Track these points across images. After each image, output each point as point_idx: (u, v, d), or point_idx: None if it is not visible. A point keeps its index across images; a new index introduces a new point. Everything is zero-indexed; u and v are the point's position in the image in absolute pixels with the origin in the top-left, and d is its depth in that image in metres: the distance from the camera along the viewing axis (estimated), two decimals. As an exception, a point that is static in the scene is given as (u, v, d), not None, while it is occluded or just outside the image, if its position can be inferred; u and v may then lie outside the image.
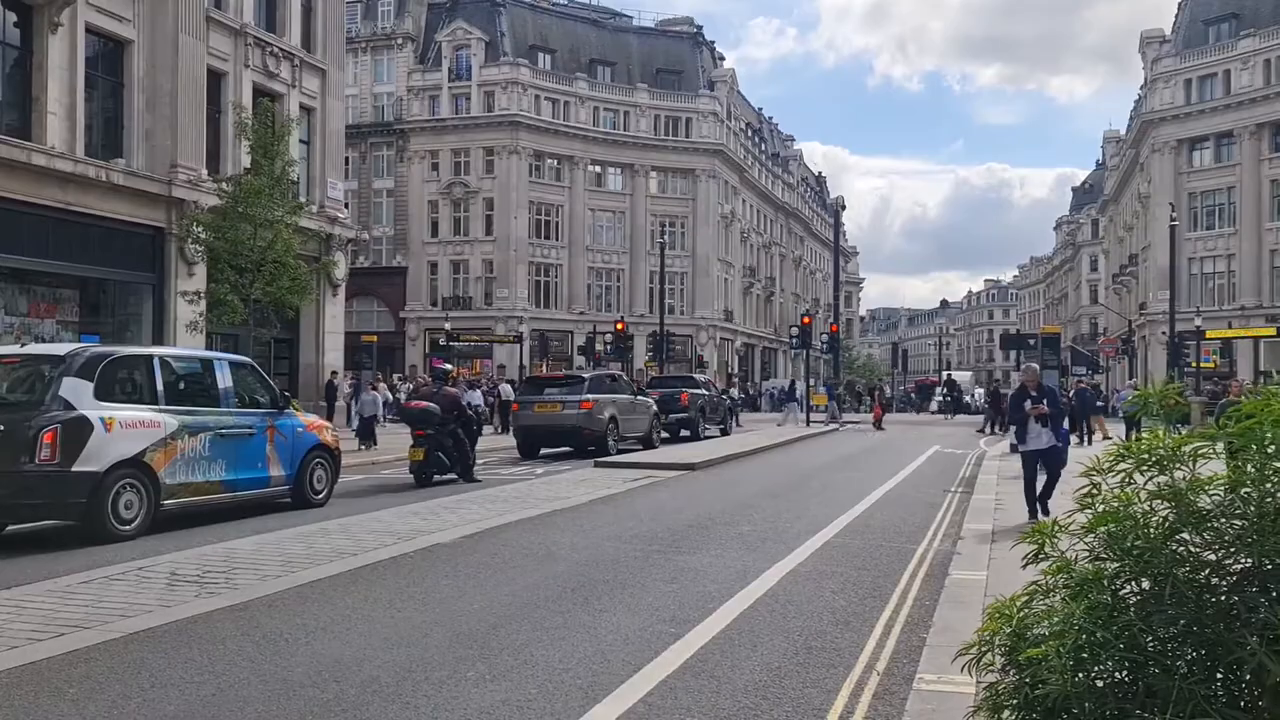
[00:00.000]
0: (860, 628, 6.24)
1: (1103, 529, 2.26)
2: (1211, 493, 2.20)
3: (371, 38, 58.52)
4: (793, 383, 43.55)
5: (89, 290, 21.86)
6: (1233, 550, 2.15)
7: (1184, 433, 2.39)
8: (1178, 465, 2.24)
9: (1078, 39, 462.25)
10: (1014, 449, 20.75)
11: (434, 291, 55.54)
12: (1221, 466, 2.25)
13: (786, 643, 5.86)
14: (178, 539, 9.43)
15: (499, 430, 28.16)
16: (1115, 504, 2.27)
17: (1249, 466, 2.17)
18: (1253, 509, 2.14)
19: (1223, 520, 2.17)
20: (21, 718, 4.55)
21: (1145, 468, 2.26)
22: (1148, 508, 2.25)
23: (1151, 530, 2.21)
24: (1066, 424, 12.43)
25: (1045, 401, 10.74)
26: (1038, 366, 12.79)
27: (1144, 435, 2.37)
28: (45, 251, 20.01)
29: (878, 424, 34.92)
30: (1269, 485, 2.14)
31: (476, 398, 28.67)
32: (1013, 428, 12.06)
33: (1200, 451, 2.26)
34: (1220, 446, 2.25)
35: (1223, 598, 2.15)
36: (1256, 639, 2.00)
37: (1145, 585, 2.20)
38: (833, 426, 35.16)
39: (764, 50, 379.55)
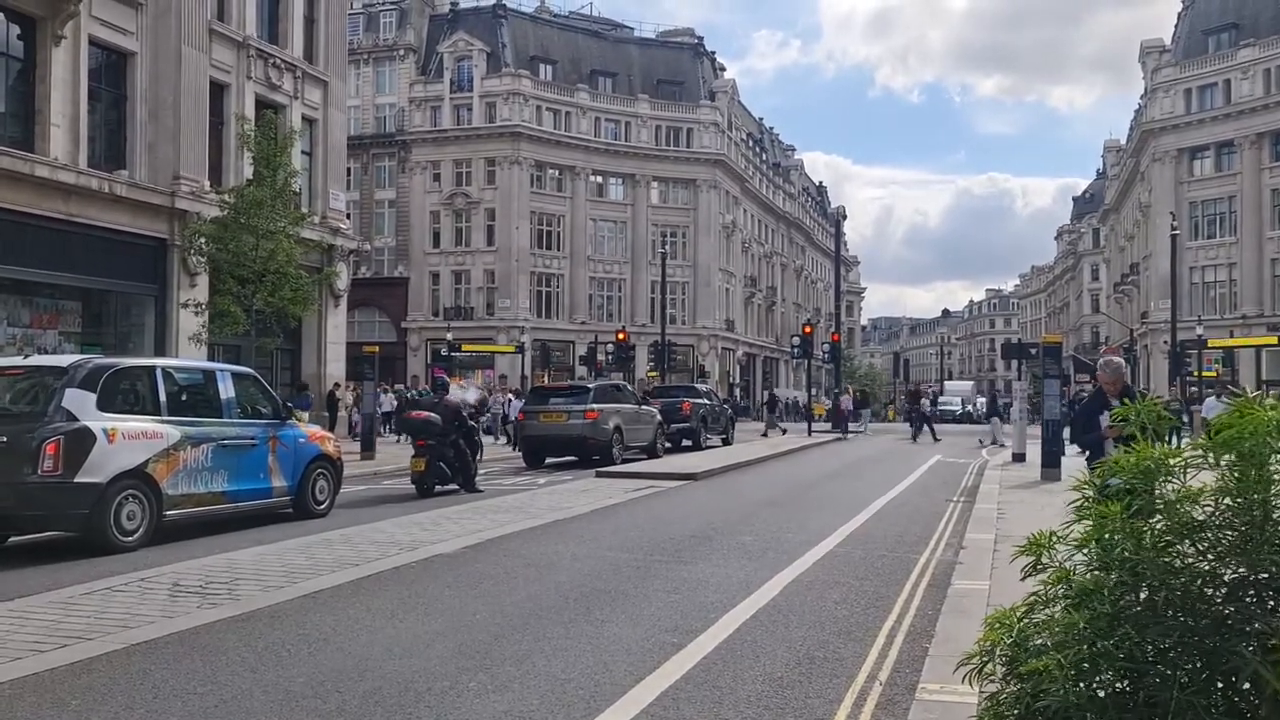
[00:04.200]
0: (863, 638, 6.23)
1: (1095, 541, 2.27)
2: (1204, 503, 2.21)
3: (373, 49, 58.74)
4: (993, 397, 40.07)
5: (91, 301, 21.89)
6: (1226, 560, 2.16)
7: (1176, 444, 2.39)
8: (1166, 478, 2.25)
9: (1077, 49, 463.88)
10: (1017, 458, 20.77)
11: (436, 302, 55.61)
12: (1213, 477, 2.26)
13: (789, 653, 5.86)
14: (180, 550, 9.44)
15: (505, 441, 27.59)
16: (1105, 517, 2.28)
17: (1235, 475, 2.18)
18: (1243, 519, 2.15)
19: (1215, 531, 2.18)
20: (25, 729, 4.55)
21: (1133, 481, 2.27)
22: (1139, 519, 2.26)
23: (1144, 542, 2.22)
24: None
25: None
26: (1123, 362, 9.07)
27: (1129, 450, 2.37)
28: (48, 263, 20.05)
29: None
30: (1257, 495, 2.15)
31: (517, 408, 28.44)
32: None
33: (1192, 462, 2.27)
34: (1213, 457, 2.26)
35: (1218, 607, 2.16)
36: (1252, 648, 2.01)
37: (1144, 595, 2.21)
38: (922, 442, 31.05)
39: (767, 61, 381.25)
